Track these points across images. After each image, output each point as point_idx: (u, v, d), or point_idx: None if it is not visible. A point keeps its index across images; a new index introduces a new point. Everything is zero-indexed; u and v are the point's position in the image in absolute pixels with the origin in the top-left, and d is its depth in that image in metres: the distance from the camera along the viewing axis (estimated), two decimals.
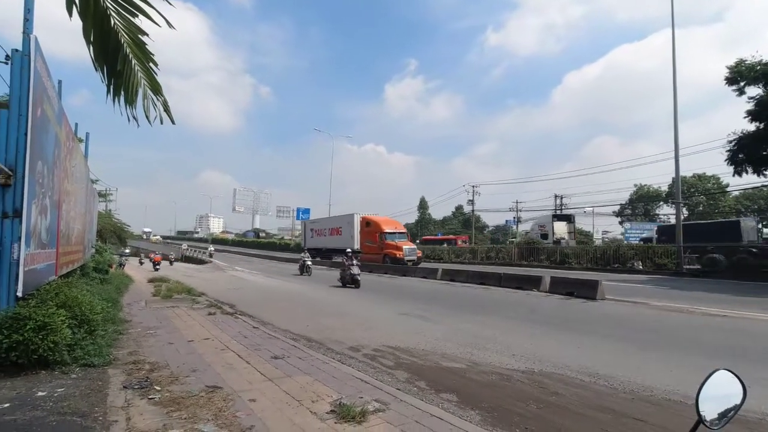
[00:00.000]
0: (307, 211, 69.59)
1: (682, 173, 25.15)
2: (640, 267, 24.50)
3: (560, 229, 39.32)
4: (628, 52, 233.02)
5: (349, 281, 16.31)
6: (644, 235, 41.79)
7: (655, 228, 39.98)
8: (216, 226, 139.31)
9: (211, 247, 50.48)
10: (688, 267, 22.00)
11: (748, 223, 27.28)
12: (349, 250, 18.89)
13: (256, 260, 44.34)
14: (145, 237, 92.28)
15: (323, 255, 37.15)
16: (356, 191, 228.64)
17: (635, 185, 63.16)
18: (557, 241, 36.49)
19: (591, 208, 54.00)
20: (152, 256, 33.12)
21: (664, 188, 56.16)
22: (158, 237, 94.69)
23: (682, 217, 29.16)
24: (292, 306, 11.86)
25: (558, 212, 50.09)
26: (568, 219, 41.96)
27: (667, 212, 57.08)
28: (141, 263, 36.41)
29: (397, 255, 29.36)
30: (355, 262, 16.69)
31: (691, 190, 54.98)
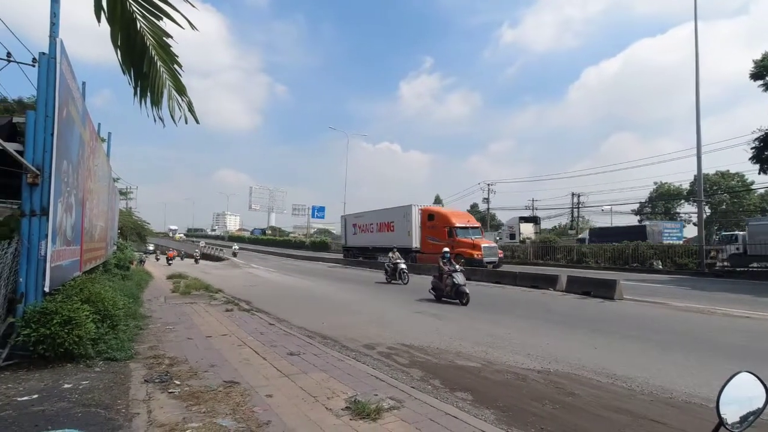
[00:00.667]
0: (322, 209, 70.05)
1: (704, 171, 24.59)
2: (660, 266, 24.01)
3: (527, 229, 44.69)
4: (649, 47, 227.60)
5: (450, 294, 11.56)
6: (581, 236, 45.41)
7: (588, 230, 45.21)
8: (232, 224, 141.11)
9: (236, 246, 48.57)
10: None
11: (654, 228, 34.53)
12: (446, 249, 13.44)
13: (272, 258, 44.84)
14: (171, 234, 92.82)
15: (368, 255, 32.95)
16: (371, 189, 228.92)
17: (655, 183, 61.77)
18: (523, 241, 41.45)
19: (609, 207, 53.09)
20: (168, 253, 35.36)
21: (686, 186, 54.78)
22: (182, 235, 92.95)
23: (704, 216, 28.49)
24: (307, 303, 11.98)
25: (574, 209, 51.14)
26: (535, 221, 48.59)
27: (688, 211, 55.67)
28: (157, 259, 37.75)
29: (475, 255, 23.10)
30: (458, 267, 11.91)
31: (714, 188, 53.49)
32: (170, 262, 33.23)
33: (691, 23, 22.75)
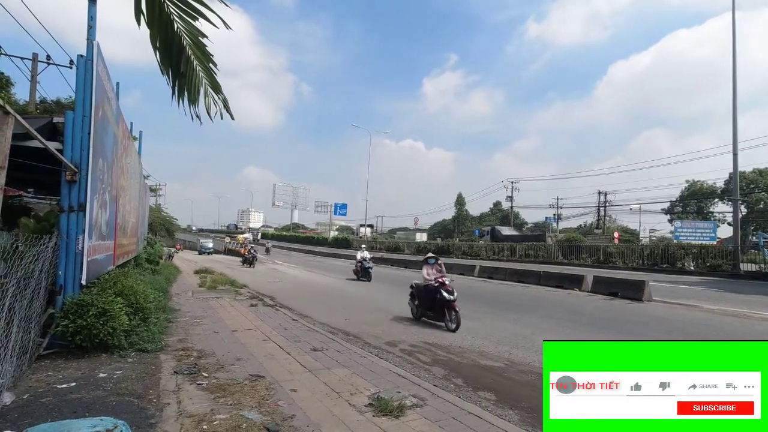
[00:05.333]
0: (344, 206, 70.65)
1: (741, 168, 23.59)
2: (692, 267, 23.17)
3: (366, 232, 64.14)
4: (684, 39, 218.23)
5: None
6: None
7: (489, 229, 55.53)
8: (256, 221, 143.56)
9: (366, 253, 19.98)
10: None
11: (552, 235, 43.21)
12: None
13: (295, 254, 45.44)
14: (249, 232, 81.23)
15: None
16: (393, 186, 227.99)
17: (687, 181, 59.55)
18: (361, 238, 58.27)
19: (638, 205, 51.55)
20: (177, 246, 36.13)
21: (720, 184, 52.61)
22: (247, 236, 70.48)
23: (740, 215, 27.34)
24: (329, 299, 12.10)
25: (601, 208, 51.35)
26: (371, 226, 70.17)
27: (722, 210, 53.40)
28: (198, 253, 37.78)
29: None
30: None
31: (751, 187, 51.17)
32: (176, 252, 33.76)
33: (731, 12, 21.63)
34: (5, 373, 3.45)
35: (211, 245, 43.89)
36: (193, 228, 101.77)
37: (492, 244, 42.07)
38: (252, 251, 26.49)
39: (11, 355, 3.62)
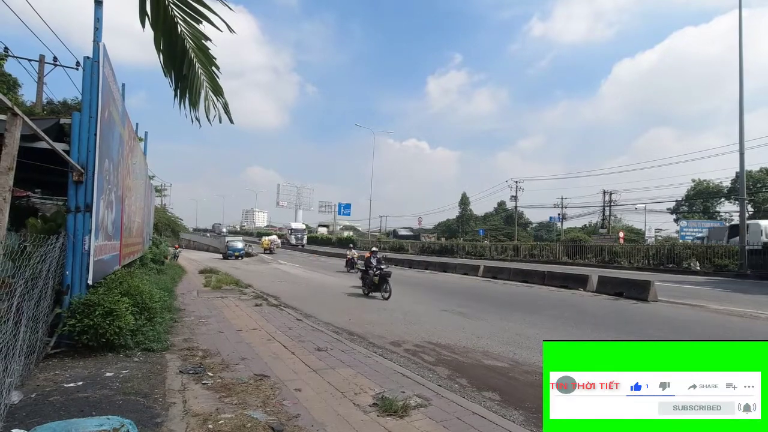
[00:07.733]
0: (348, 206, 70.66)
1: (748, 167, 23.37)
2: (698, 267, 23.01)
3: (322, 231, 73.21)
4: (691, 37, 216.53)
5: None
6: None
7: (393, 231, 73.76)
8: (260, 221, 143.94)
9: None
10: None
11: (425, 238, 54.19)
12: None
13: (298, 254, 45.51)
14: (290, 232, 64.52)
15: None
16: (397, 186, 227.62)
17: (693, 180, 59.08)
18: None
19: (643, 205, 51.24)
20: (176, 245, 30.66)
21: (726, 183, 52.19)
22: (273, 238, 53.97)
23: (747, 215, 27.10)
24: (333, 299, 12.12)
25: (606, 208, 50.44)
26: (327, 226, 79.62)
27: (729, 209, 52.97)
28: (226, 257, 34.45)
29: None
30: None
31: (758, 186, 50.70)
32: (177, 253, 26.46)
33: (738, 10, 21.37)
34: (13, 372, 3.49)
35: (241, 246, 34.94)
36: (223, 230, 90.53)
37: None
38: (379, 262, 13.14)
39: (19, 354, 3.66)
